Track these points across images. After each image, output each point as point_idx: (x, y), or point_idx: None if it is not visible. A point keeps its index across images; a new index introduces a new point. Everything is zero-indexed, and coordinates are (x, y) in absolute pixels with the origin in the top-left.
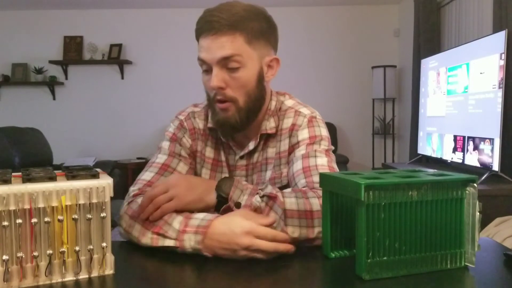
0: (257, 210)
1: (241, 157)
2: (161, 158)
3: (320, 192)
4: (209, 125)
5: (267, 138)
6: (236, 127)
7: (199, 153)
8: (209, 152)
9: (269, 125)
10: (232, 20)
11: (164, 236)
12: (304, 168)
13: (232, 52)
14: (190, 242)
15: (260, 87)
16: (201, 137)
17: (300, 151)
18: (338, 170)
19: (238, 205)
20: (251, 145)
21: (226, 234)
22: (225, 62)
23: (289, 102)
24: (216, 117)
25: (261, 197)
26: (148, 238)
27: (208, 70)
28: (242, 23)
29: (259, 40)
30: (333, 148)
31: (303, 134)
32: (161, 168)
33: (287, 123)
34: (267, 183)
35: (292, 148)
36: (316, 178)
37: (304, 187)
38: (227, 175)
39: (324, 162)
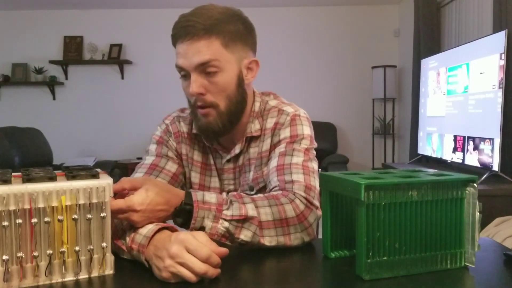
0: (224, 235)
1: (228, 161)
2: (149, 160)
3: (291, 195)
4: (194, 131)
5: (251, 140)
6: (218, 132)
7: (185, 156)
8: (197, 156)
9: (254, 127)
10: (208, 24)
11: (120, 249)
12: (279, 166)
13: (209, 57)
14: (139, 257)
15: (240, 90)
16: (187, 141)
17: (280, 149)
18: (314, 168)
19: (202, 229)
20: (237, 149)
21: (160, 240)
22: (202, 68)
23: (273, 102)
24: (198, 122)
25: (228, 221)
26: (114, 247)
27: (186, 76)
28: (217, 27)
29: (236, 43)
30: (315, 146)
31: (285, 133)
32: (149, 168)
33: (270, 122)
34: (229, 198)
35: (273, 147)
36: (288, 177)
37: (275, 186)
38: (216, 178)
39: (299, 161)
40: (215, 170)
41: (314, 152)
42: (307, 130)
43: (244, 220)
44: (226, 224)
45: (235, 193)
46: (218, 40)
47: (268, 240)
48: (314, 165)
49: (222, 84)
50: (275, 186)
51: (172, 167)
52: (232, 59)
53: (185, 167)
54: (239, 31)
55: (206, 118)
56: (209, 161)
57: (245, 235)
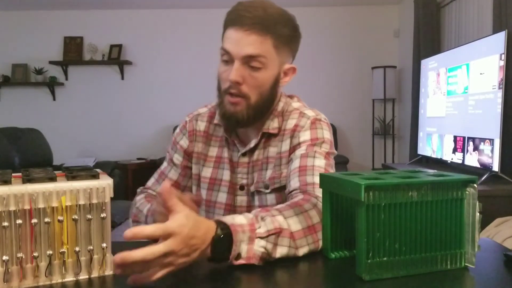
0: (263, 256)
1: (243, 155)
2: (163, 165)
3: (314, 199)
4: (215, 121)
5: (269, 137)
6: (241, 122)
7: (196, 153)
8: (212, 151)
9: (272, 124)
10: (267, 21)
11: None
12: (301, 167)
13: (259, 52)
14: None
15: (273, 90)
16: (202, 139)
17: (301, 151)
18: None
19: (238, 257)
20: (252, 143)
21: None
22: (249, 60)
23: (296, 104)
24: (223, 109)
25: (265, 238)
26: None
27: (228, 61)
28: (274, 27)
29: (285, 47)
30: (335, 152)
31: (305, 136)
32: (159, 176)
33: (290, 123)
34: (257, 214)
35: (293, 149)
36: (310, 179)
37: (296, 188)
38: (228, 171)
39: (321, 164)
40: (227, 163)
41: (333, 159)
42: (327, 135)
43: (278, 235)
44: (263, 243)
45: (259, 209)
46: (271, 40)
47: (302, 251)
48: (333, 171)
49: (261, 80)
50: (296, 189)
51: (174, 175)
52: (277, 61)
53: (194, 165)
54: (290, 36)
55: (234, 106)
56: (224, 154)
57: (280, 252)
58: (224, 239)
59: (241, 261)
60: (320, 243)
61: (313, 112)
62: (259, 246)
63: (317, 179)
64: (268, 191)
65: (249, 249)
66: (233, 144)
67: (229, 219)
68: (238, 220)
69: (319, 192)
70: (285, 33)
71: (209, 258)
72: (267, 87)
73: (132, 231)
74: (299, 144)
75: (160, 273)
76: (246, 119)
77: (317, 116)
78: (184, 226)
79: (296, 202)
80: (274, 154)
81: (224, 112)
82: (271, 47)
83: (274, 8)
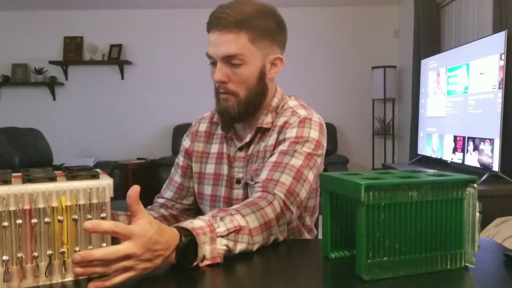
0: (225, 254)
1: (240, 149)
2: (172, 169)
3: (270, 197)
4: (215, 119)
5: (263, 132)
6: (234, 117)
7: (195, 152)
8: (214, 148)
9: (266, 120)
10: (239, 18)
11: None
12: (275, 162)
13: (235, 51)
14: None
15: (261, 83)
16: (203, 139)
17: (283, 147)
18: (307, 177)
19: (203, 258)
20: (248, 138)
21: None
22: (228, 59)
23: (292, 103)
24: (218, 106)
25: (225, 236)
26: None
27: (214, 63)
28: (248, 22)
29: (264, 39)
30: (320, 153)
31: (291, 133)
32: (169, 181)
33: (281, 120)
34: (217, 214)
35: (278, 144)
36: (277, 176)
37: (258, 182)
38: (226, 166)
39: (296, 164)
40: (226, 158)
41: (319, 160)
42: (314, 134)
43: (237, 233)
44: (225, 241)
45: (215, 210)
46: (246, 35)
47: (256, 246)
48: (311, 173)
49: (245, 76)
50: (259, 182)
51: (178, 178)
52: (258, 54)
53: (194, 163)
54: (269, 28)
55: (225, 102)
56: (223, 150)
57: (240, 249)
58: (189, 244)
59: (206, 262)
60: (272, 238)
61: (305, 112)
62: (221, 244)
63: (283, 178)
64: (252, 183)
65: (213, 249)
66: (231, 140)
67: (188, 224)
68: (196, 223)
69: (278, 191)
70: (262, 26)
71: (174, 264)
72: (254, 81)
73: (92, 222)
74: (284, 140)
75: (120, 277)
76: (238, 114)
77: (308, 115)
78: (147, 231)
79: (251, 201)
80: (261, 148)
81: (218, 109)
82: (247, 42)
83: (252, 5)
